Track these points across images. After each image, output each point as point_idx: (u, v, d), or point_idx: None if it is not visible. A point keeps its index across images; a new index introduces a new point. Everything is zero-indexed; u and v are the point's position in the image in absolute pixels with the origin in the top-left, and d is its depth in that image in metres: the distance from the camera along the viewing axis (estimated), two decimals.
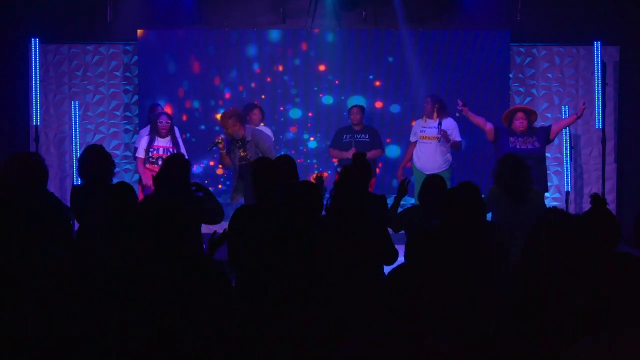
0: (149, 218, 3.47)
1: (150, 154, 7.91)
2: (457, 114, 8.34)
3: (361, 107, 8.68)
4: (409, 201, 9.55)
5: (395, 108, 9.45)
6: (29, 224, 3.34)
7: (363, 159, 5.48)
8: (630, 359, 2.45)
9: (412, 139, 8.51)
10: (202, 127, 9.37)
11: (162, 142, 7.97)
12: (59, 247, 4.79)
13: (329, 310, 3.52)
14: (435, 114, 8.29)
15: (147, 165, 7.91)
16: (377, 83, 9.42)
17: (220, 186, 9.29)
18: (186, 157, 7.77)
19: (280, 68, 9.38)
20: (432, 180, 5.27)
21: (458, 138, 8.33)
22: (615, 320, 2.55)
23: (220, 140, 7.40)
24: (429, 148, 8.32)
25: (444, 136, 8.15)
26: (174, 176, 5.20)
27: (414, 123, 8.71)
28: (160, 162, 7.86)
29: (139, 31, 9.22)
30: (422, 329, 2.62)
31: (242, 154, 7.35)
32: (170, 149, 7.92)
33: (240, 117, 7.43)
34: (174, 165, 5.28)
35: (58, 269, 3.23)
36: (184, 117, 9.35)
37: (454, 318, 3.31)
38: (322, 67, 9.39)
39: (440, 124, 8.18)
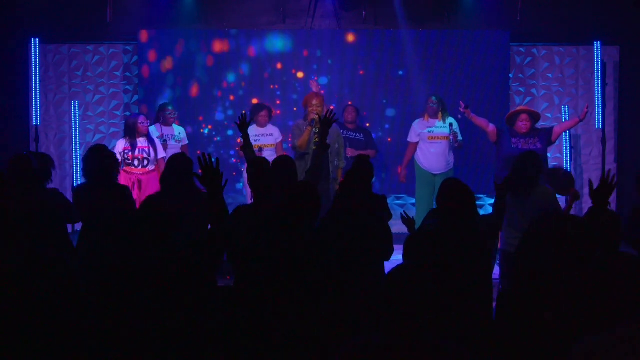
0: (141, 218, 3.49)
1: (126, 156, 7.92)
2: (459, 116, 8.35)
3: (356, 108, 8.69)
4: (409, 201, 9.56)
5: (391, 111, 9.45)
6: (22, 223, 3.34)
7: (367, 161, 5.51)
8: (631, 358, 2.45)
9: (414, 139, 8.48)
10: (207, 132, 9.38)
11: (139, 143, 7.99)
12: (57, 247, 4.81)
13: (329, 308, 3.52)
14: (440, 114, 8.31)
15: (124, 167, 7.88)
16: (362, 72, 9.40)
17: (234, 174, 9.21)
18: (163, 155, 7.91)
19: (280, 66, 9.38)
20: (450, 183, 5.27)
21: (460, 137, 8.36)
22: (614, 320, 2.55)
23: (317, 119, 7.14)
24: (438, 148, 8.33)
25: (454, 137, 8.17)
26: (178, 175, 5.28)
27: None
28: (136, 163, 7.92)
29: (140, 31, 9.23)
30: (421, 329, 2.62)
31: (317, 139, 6.95)
32: (147, 149, 7.96)
33: (323, 100, 7.51)
34: (178, 165, 5.36)
35: (57, 269, 3.23)
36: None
37: (452, 317, 3.31)
38: (321, 67, 9.40)
39: (451, 124, 8.19)
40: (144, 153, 7.94)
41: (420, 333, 2.62)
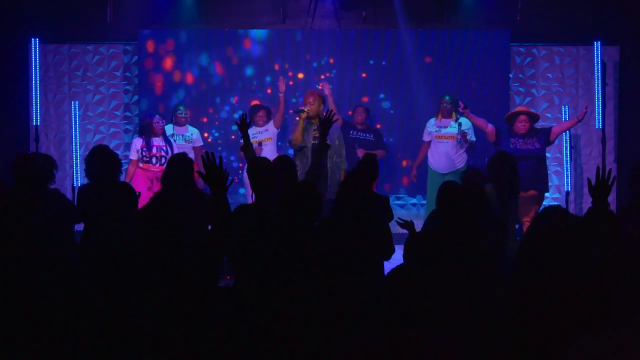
0: (146, 219, 3.48)
1: (144, 153, 8.00)
2: (458, 116, 8.36)
3: (366, 108, 8.72)
4: (409, 201, 9.56)
5: (388, 105, 9.45)
6: (29, 223, 3.35)
7: (374, 160, 5.50)
8: (630, 358, 2.45)
9: (426, 138, 8.54)
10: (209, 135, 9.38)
11: (156, 142, 8.08)
12: (60, 247, 4.82)
13: (330, 308, 3.52)
14: (453, 114, 8.33)
15: (142, 165, 8.02)
16: (364, 74, 9.38)
17: (236, 179, 9.14)
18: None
19: (277, 67, 9.36)
20: (448, 185, 5.28)
21: (473, 138, 8.39)
22: (614, 319, 2.55)
23: (305, 110, 7.16)
24: (444, 147, 8.38)
25: (463, 137, 8.20)
26: (179, 175, 5.30)
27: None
28: (154, 161, 7.98)
29: (140, 31, 9.23)
30: (421, 329, 2.62)
31: (316, 134, 7.05)
32: (164, 147, 8.06)
33: (323, 98, 7.43)
34: (178, 165, 5.39)
35: (60, 269, 3.23)
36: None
37: (453, 317, 3.30)
38: (322, 66, 9.40)
39: (460, 124, 8.21)
40: (162, 151, 8.04)
41: (420, 333, 2.62)
